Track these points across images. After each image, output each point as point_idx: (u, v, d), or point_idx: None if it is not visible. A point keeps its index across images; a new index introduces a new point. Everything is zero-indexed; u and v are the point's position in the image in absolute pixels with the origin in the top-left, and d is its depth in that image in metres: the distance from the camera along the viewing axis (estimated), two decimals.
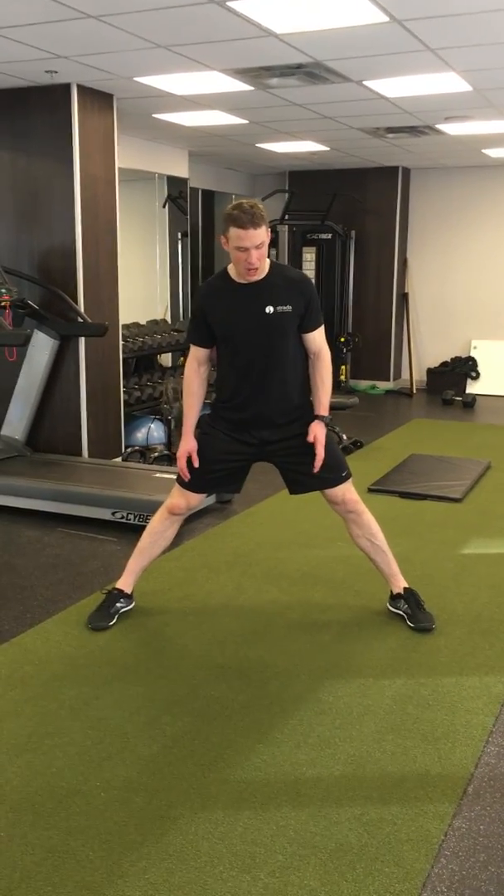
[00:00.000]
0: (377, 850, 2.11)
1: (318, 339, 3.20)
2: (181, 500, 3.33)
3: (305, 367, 3.25)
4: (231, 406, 3.23)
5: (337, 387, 8.96)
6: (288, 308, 3.08)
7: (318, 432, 3.16)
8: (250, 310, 3.08)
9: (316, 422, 3.19)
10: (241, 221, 2.89)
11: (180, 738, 2.59)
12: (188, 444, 3.23)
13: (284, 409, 3.20)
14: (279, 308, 3.07)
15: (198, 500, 3.39)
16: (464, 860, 2.09)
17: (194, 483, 3.28)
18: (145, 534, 3.45)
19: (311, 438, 3.14)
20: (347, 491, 3.28)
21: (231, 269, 3.10)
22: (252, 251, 2.93)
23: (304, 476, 3.24)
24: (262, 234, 2.93)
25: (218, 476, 3.30)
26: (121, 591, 3.43)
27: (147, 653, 3.15)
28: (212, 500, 4.88)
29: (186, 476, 3.23)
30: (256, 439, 3.23)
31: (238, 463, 3.29)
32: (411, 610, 3.39)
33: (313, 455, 3.14)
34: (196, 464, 3.20)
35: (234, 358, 3.17)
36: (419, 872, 2.03)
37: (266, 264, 3.05)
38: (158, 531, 3.41)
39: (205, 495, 3.42)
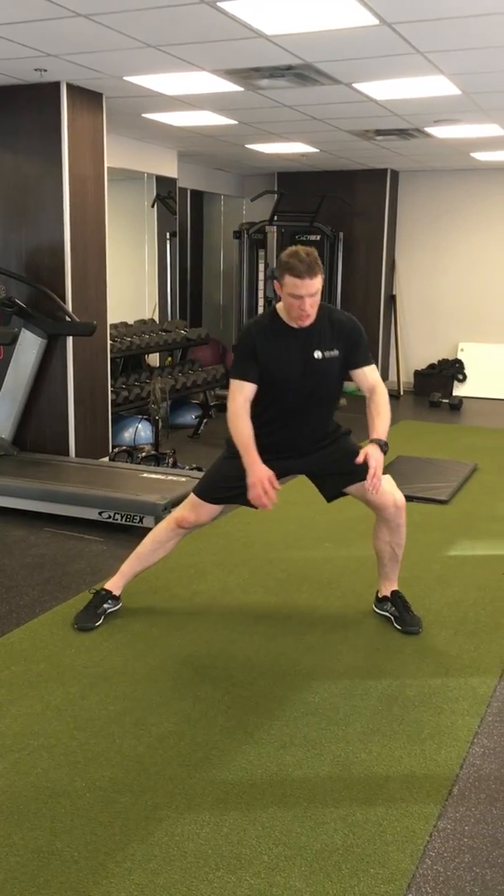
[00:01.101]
0: (362, 851, 2.11)
1: (370, 375, 3.17)
2: (192, 514, 3.32)
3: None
4: (262, 433, 3.16)
5: None
6: (335, 353, 3.11)
7: (371, 452, 3.01)
8: (299, 354, 3.08)
9: (371, 444, 3.06)
10: (297, 271, 2.90)
11: (166, 739, 2.59)
12: (261, 471, 3.01)
13: (316, 439, 3.22)
14: (326, 353, 3.09)
15: (207, 517, 3.35)
16: (448, 861, 2.09)
17: (215, 495, 3.27)
18: (147, 540, 3.43)
19: (360, 459, 3.00)
20: (397, 492, 3.24)
21: (280, 310, 3.08)
22: (306, 299, 2.95)
23: (335, 477, 3.23)
24: (317, 283, 2.94)
25: (239, 492, 3.26)
26: (109, 592, 3.42)
27: (133, 653, 3.14)
28: None
29: (272, 500, 3.03)
30: (283, 460, 3.20)
31: None
32: (398, 612, 3.39)
33: (346, 463, 3.14)
34: (277, 486, 3.05)
35: (276, 395, 3.13)
36: (404, 873, 2.04)
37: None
38: (161, 541, 3.39)
39: (215, 513, 3.36)
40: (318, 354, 3.07)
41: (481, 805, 2.31)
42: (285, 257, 2.95)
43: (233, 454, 3.21)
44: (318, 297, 2.99)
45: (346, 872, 2.04)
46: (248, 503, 3.29)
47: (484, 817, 2.26)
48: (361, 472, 3.06)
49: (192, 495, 3.33)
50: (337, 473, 3.24)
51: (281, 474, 3.20)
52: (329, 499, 3.36)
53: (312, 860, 2.08)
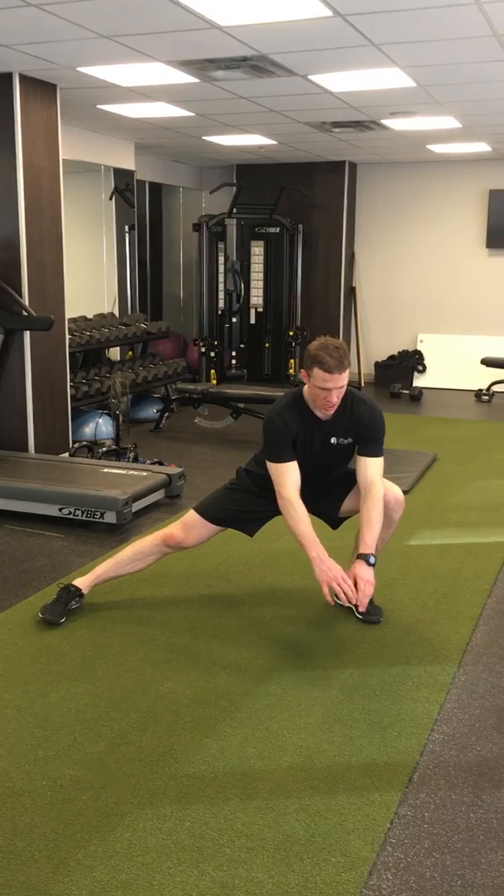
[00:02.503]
0: (324, 841, 2.12)
1: (370, 468, 3.13)
2: (181, 533, 3.32)
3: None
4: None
5: (286, 380, 8.99)
6: (349, 440, 3.17)
7: (362, 574, 2.96)
8: (317, 437, 3.15)
9: (357, 562, 3.02)
10: (327, 366, 2.93)
11: (127, 735, 2.57)
12: (335, 570, 2.94)
13: (324, 491, 3.29)
14: (342, 440, 3.16)
15: (194, 541, 3.35)
16: (409, 847, 2.12)
17: (217, 514, 3.30)
18: (130, 548, 3.43)
19: (347, 588, 2.92)
20: (395, 488, 3.27)
21: (307, 395, 3.10)
22: (333, 392, 2.99)
23: (328, 498, 3.29)
24: (345, 378, 2.99)
25: (241, 518, 3.32)
26: (79, 589, 3.39)
27: (94, 650, 3.12)
28: (160, 494, 4.86)
29: (352, 598, 2.93)
30: None
31: (264, 512, 3.31)
32: None
33: (340, 490, 3.25)
34: (349, 583, 2.95)
35: None
36: (365, 861, 2.06)
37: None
38: (143, 553, 3.39)
39: (203, 538, 3.35)
40: (334, 440, 3.17)
41: (441, 791, 2.34)
42: (315, 350, 2.98)
43: (241, 487, 3.27)
44: (344, 388, 3.04)
45: (308, 862, 2.05)
46: (244, 530, 3.37)
47: (443, 803, 2.29)
48: (349, 483, 3.22)
49: (190, 513, 3.35)
50: (329, 494, 3.32)
51: (278, 513, 3.27)
52: (334, 526, 3.43)
53: (275, 851, 2.09)
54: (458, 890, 1.97)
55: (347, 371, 3.00)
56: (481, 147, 7.97)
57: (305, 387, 3.10)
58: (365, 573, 2.98)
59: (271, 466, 3.13)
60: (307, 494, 3.22)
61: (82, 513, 4.43)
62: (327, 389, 2.99)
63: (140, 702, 2.76)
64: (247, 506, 3.28)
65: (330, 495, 3.32)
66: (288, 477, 3.08)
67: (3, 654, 3.08)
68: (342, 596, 2.92)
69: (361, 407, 3.17)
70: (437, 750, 2.53)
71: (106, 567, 3.43)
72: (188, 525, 3.32)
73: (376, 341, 9.76)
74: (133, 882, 1.98)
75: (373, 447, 3.17)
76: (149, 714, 2.69)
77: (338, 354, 2.95)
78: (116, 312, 8.25)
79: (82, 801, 2.27)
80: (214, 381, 8.58)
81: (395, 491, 3.27)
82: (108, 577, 3.44)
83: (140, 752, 2.49)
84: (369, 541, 3.05)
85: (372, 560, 3.02)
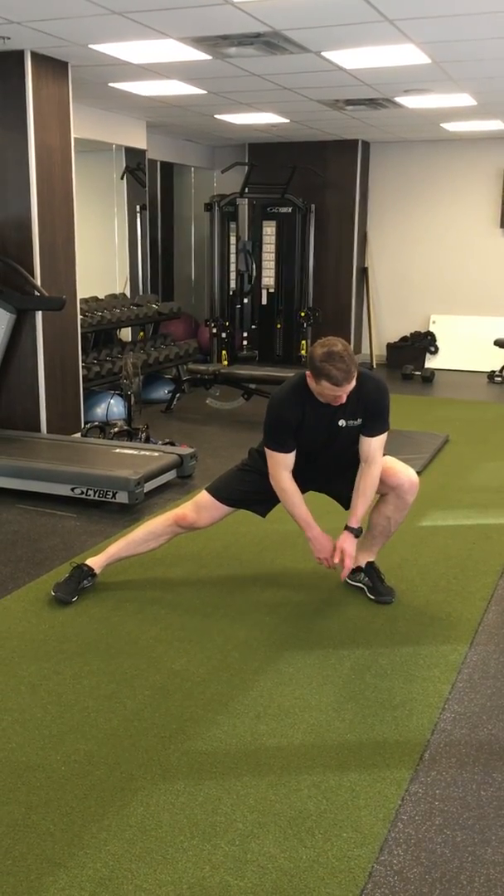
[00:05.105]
0: (335, 817, 2.14)
1: (373, 446, 3.15)
2: (193, 513, 3.33)
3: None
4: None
5: (298, 361, 8.96)
6: (358, 421, 3.14)
7: (345, 546, 3.14)
8: (324, 422, 3.12)
9: (344, 534, 3.16)
10: (335, 380, 2.90)
11: (141, 712, 2.60)
12: (326, 542, 3.21)
13: (338, 471, 3.29)
14: (350, 422, 3.13)
15: (207, 522, 3.36)
16: (420, 824, 2.13)
17: (230, 496, 3.30)
18: (142, 528, 3.44)
19: (336, 558, 3.17)
20: (409, 470, 3.27)
21: (311, 382, 3.05)
22: (343, 396, 2.98)
23: (348, 484, 3.26)
24: (352, 384, 2.96)
25: (253, 499, 3.33)
26: (91, 569, 3.41)
27: (107, 628, 3.14)
28: (172, 475, 4.87)
29: (338, 564, 3.19)
30: (307, 483, 3.30)
31: (273, 493, 3.30)
32: (372, 582, 3.42)
33: (352, 472, 3.20)
34: (337, 560, 3.19)
35: (300, 448, 3.16)
36: (376, 837, 2.07)
37: None
38: (156, 533, 3.41)
39: (216, 519, 3.36)
40: (342, 423, 3.13)
41: (452, 769, 2.35)
42: (320, 361, 2.90)
43: (253, 468, 3.27)
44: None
45: (320, 837, 2.07)
46: (256, 511, 3.38)
47: (454, 781, 2.30)
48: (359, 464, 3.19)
49: (202, 494, 3.35)
50: (341, 476, 3.30)
51: (302, 491, 3.28)
52: (346, 506, 3.40)
53: (286, 826, 2.11)
54: (468, 866, 1.99)
55: (355, 377, 2.97)
56: (496, 125, 7.88)
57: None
58: (349, 547, 3.15)
59: (268, 453, 3.16)
60: (319, 476, 3.22)
61: (94, 493, 4.44)
62: (337, 395, 2.99)
63: (153, 679, 2.78)
64: (259, 487, 3.28)
65: (341, 477, 3.31)
66: (282, 466, 3.14)
67: (17, 631, 3.11)
68: (322, 562, 3.25)
69: (368, 384, 3.14)
70: (448, 728, 2.54)
71: (118, 547, 3.45)
72: (200, 506, 3.33)
73: (388, 322, 9.71)
74: (146, 855, 2.00)
75: (378, 425, 3.16)
76: (161, 691, 2.71)
77: (345, 366, 2.89)
78: (128, 293, 8.23)
79: (96, 776, 2.29)
80: (226, 362, 8.56)
81: (410, 474, 3.26)
82: (121, 556, 3.45)
83: (153, 728, 2.51)
84: (360, 512, 3.17)
85: (358, 532, 3.20)
